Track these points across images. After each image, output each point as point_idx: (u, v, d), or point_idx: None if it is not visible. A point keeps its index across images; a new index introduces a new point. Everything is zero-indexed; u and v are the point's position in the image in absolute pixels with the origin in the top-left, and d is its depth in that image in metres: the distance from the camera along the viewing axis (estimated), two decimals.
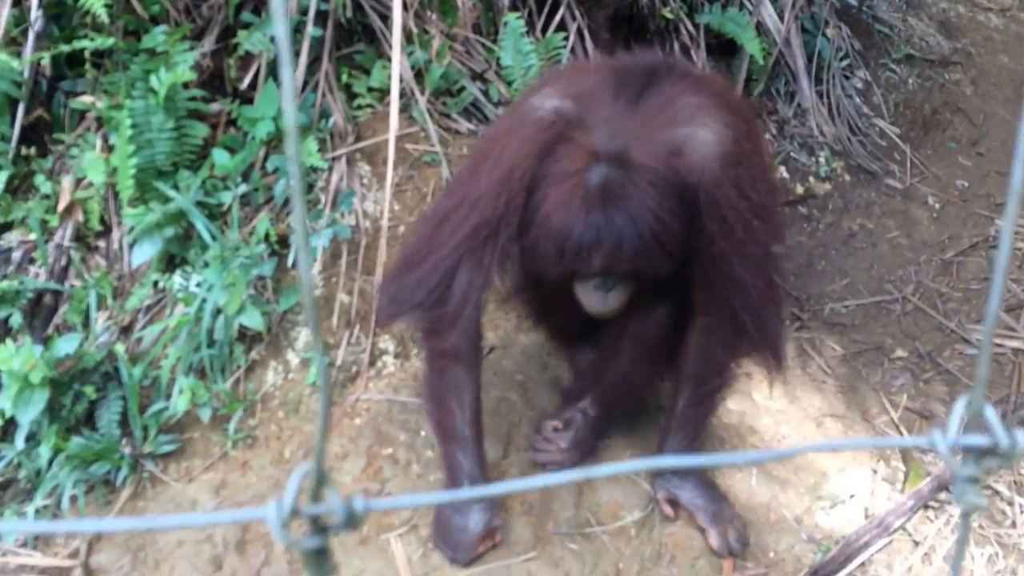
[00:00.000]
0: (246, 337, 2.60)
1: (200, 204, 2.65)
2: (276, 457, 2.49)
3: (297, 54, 2.91)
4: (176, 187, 2.66)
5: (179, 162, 2.71)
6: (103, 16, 2.55)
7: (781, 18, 3.81)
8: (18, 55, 2.67)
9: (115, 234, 2.71)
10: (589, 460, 2.49)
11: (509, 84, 3.16)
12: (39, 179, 2.70)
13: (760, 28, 3.75)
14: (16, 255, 2.67)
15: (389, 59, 2.86)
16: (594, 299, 2.06)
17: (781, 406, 2.80)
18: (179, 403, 2.46)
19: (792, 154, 3.81)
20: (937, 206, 3.86)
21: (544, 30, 3.33)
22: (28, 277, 2.63)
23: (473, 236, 2.04)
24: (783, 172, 3.75)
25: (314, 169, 2.75)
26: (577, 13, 3.36)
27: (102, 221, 2.68)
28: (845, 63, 4.16)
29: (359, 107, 2.97)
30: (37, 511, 2.39)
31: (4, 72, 2.63)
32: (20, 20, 2.72)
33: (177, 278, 2.58)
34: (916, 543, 2.46)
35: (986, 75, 4.65)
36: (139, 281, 2.65)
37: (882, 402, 2.92)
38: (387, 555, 2.28)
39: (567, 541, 2.34)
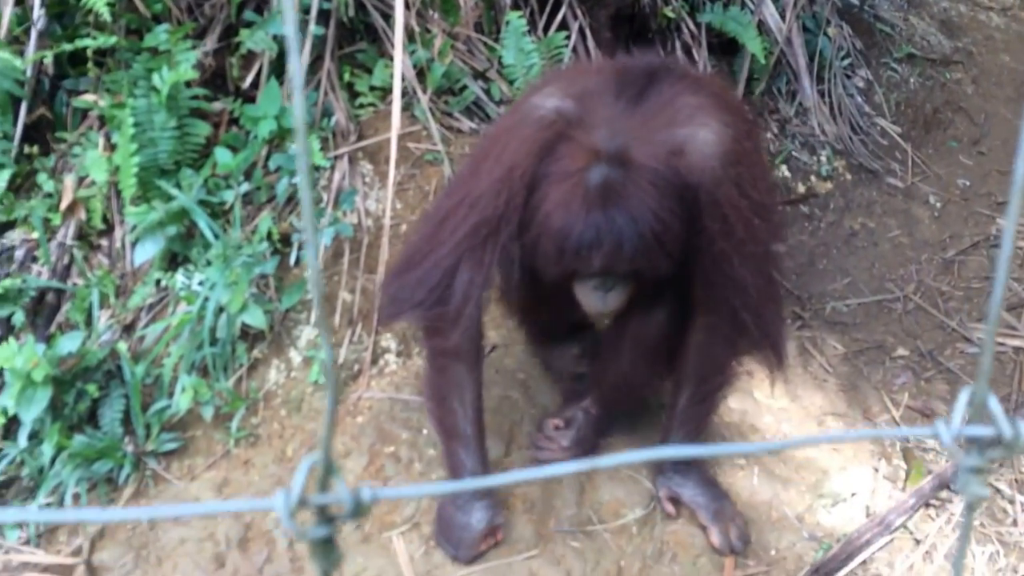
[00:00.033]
0: (248, 335, 2.60)
1: (202, 203, 2.65)
2: (278, 455, 2.50)
3: (299, 53, 2.91)
4: (178, 186, 2.66)
5: (181, 161, 2.71)
6: (105, 15, 2.55)
7: (783, 17, 3.82)
8: (21, 54, 2.67)
9: (117, 232, 2.71)
10: (591, 459, 2.50)
11: (511, 83, 3.17)
12: (42, 178, 2.70)
13: (762, 27, 3.76)
14: (19, 253, 2.67)
15: (391, 58, 2.87)
16: (594, 299, 2.06)
17: (782, 404, 2.81)
18: (181, 401, 2.46)
19: (794, 153, 3.81)
20: (938, 205, 3.87)
21: (546, 29, 3.34)
22: (31, 275, 2.64)
23: (474, 235, 2.04)
24: (785, 171, 3.75)
25: (316, 168, 2.75)
26: (579, 12, 3.37)
27: (104, 219, 2.69)
28: (846, 62, 4.17)
29: (361, 106, 2.97)
30: (39, 509, 2.39)
31: (7, 71, 2.63)
32: (23, 19, 2.72)
33: (179, 276, 2.59)
34: (917, 541, 2.47)
35: (987, 74, 4.65)
36: (141, 279, 2.65)
37: (883, 400, 2.92)
38: (389, 553, 2.29)
39: (569, 539, 2.34)
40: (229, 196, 2.69)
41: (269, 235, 2.64)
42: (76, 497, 2.40)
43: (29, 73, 2.70)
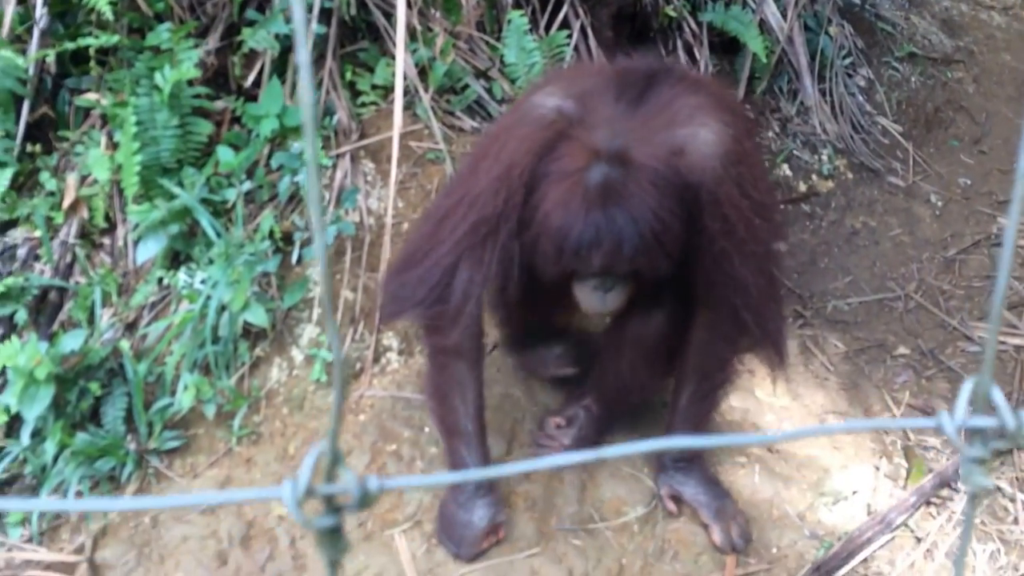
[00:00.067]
0: (250, 334, 2.61)
1: (205, 201, 2.66)
2: (280, 453, 2.50)
3: None
4: (181, 184, 2.67)
5: (184, 159, 2.72)
6: (108, 13, 2.56)
7: (784, 16, 3.82)
8: (23, 52, 2.67)
9: (120, 231, 2.72)
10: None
11: (513, 82, 3.17)
12: (44, 176, 2.70)
13: (763, 26, 3.76)
14: (21, 252, 2.67)
15: (393, 57, 2.87)
16: (593, 299, 2.05)
17: (784, 403, 2.81)
18: (184, 399, 2.47)
19: (795, 152, 3.81)
20: (939, 204, 3.87)
21: (547, 28, 3.34)
22: (33, 274, 2.64)
23: (473, 233, 2.04)
24: (786, 170, 3.76)
25: (318, 166, 2.75)
26: (580, 11, 3.37)
27: (107, 218, 2.69)
28: (848, 61, 4.17)
29: (363, 104, 2.98)
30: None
31: (9, 69, 2.64)
32: (25, 17, 2.73)
33: (182, 275, 2.59)
34: (918, 539, 2.47)
35: (988, 73, 4.65)
36: (144, 278, 2.65)
37: (884, 399, 2.92)
38: (391, 551, 2.29)
39: (570, 537, 2.34)
40: (231, 194, 2.70)
41: (271, 233, 2.65)
42: (79, 495, 2.40)
43: (31, 72, 2.70)
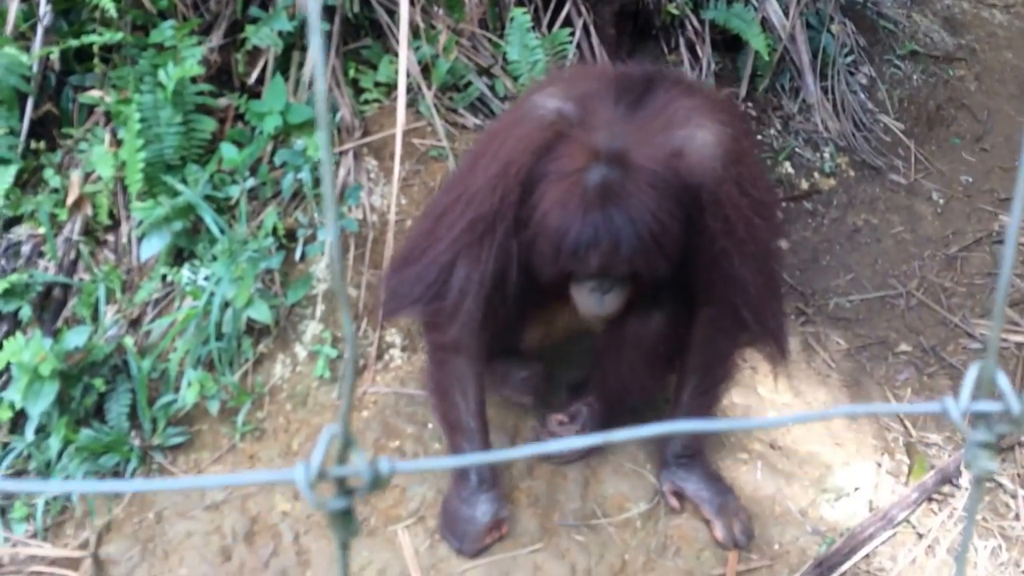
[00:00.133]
0: (254, 330, 2.61)
1: (208, 198, 2.67)
2: (284, 449, 2.51)
3: (304, 49, 2.92)
4: (184, 181, 2.67)
5: (187, 156, 2.72)
6: (111, 11, 2.57)
7: (786, 14, 3.82)
8: (27, 50, 2.68)
9: (124, 228, 2.72)
10: (595, 453, 2.51)
11: (515, 79, 3.18)
12: (48, 173, 2.71)
13: (765, 24, 3.76)
14: (25, 249, 2.68)
15: (396, 54, 2.87)
16: (591, 301, 2.05)
17: (786, 400, 2.81)
18: (188, 396, 2.47)
19: (797, 150, 3.82)
20: (941, 201, 3.87)
21: (550, 25, 3.35)
22: (37, 271, 2.65)
23: (470, 231, 2.05)
24: (788, 167, 3.76)
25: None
26: (583, 9, 3.37)
27: (111, 215, 2.70)
28: (850, 59, 4.17)
29: (366, 102, 2.98)
30: (47, 502, 2.41)
31: (13, 67, 2.64)
32: (29, 15, 2.73)
33: (185, 272, 2.60)
34: (920, 535, 2.48)
35: (990, 71, 4.65)
36: (148, 275, 2.66)
37: (886, 396, 2.93)
38: (394, 546, 2.30)
39: (573, 533, 2.35)
40: (235, 191, 2.70)
41: (274, 230, 2.65)
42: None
43: (35, 69, 2.71)
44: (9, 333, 2.53)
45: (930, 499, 2.56)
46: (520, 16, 3.16)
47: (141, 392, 2.48)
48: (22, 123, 2.72)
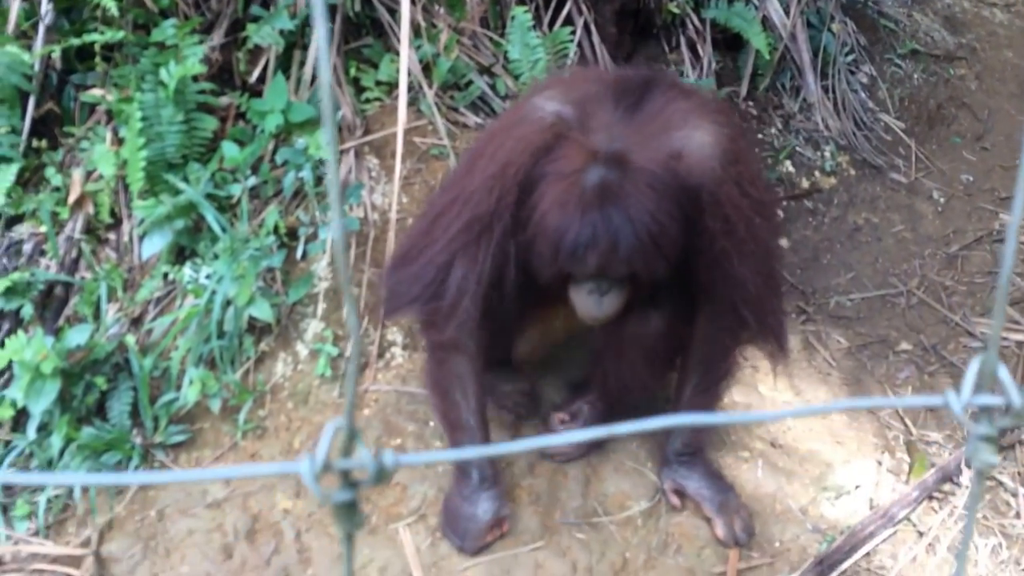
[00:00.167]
0: (255, 328, 2.62)
1: (210, 196, 2.67)
2: (286, 447, 2.51)
3: (305, 48, 2.93)
4: (186, 179, 2.68)
5: (189, 155, 2.73)
6: (113, 9, 2.57)
7: (787, 13, 3.82)
8: (29, 48, 2.69)
9: (125, 226, 2.73)
10: (596, 451, 2.51)
11: (516, 78, 3.18)
12: (50, 172, 2.71)
13: (766, 23, 3.76)
14: (27, 247, 2.69)
15: (397, 53, 2.87)
16: (589, 303, 2.05)
17: (787, 398, 2.82)
18: (189, 394, 2.48)
19: (798, 148, 3.82)
20: (942, 200, 3.87)
21: (551, 24, 3.35)
22: (39, 269, 2.65)
23: (467, 231, 2.05)
24: (789, 166, 3.76)
25: (323, 162, 2.76)
26: (584, 7, 3.38)
27: (112, 213, 2.70)
28: (850, 58, 4.17)
29: (367, 100, 2.99)
30: (49, 500, 2.41)
31: (15, 65, 2.65)
32: (30, 13, 2.74)
33: (187, 270, 2.60)
34: (920, 534, 2.48)
35: (991, 70, 4.65)
36: (149, 273, 2.67)
37: (887, 394, 2.94)
38: (396, 544, 2.30)
39: (574, 531, 2.35)
40: (236, 190, 2.71)
41: (276, 229, 2.66)
42: (85, 489, 2.42)
43: (37, 68, 2.71)
44: (11, 331, 2.54)
45: (931, 497, 2.56)
46: (521, 15, 3.16)
47: (143, 390, 2.48)
48: (24, 122, 2.72)
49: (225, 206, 2.71)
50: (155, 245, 2.66)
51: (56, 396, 2.37)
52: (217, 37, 2.87)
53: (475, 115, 3.11)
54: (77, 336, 2.46)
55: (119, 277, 2.65)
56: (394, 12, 2.97)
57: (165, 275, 2.63)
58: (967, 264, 3.55)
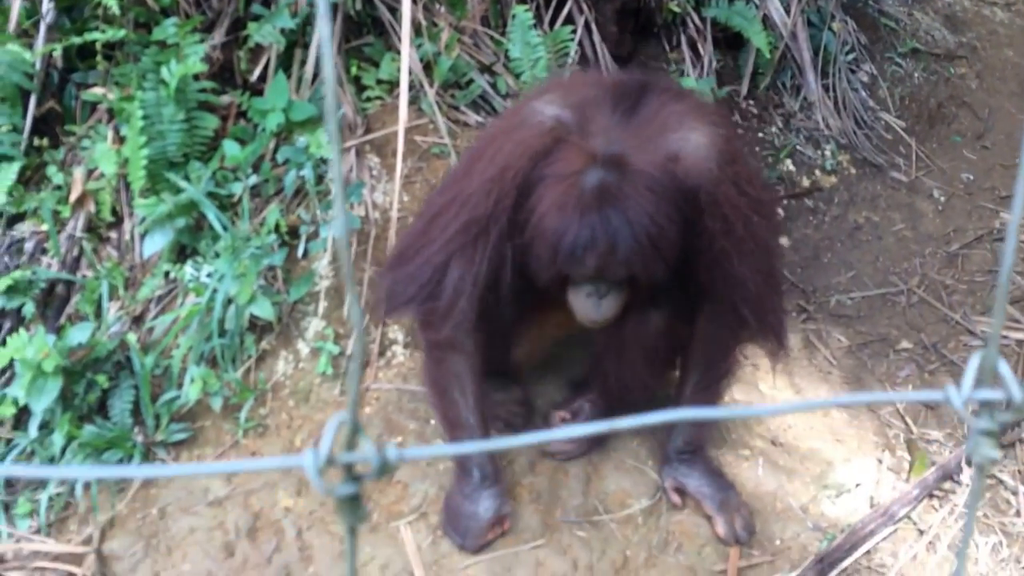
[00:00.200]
0: (257, 327, 2.62)
1: (211, 195, 2.67)
2: (287, 445, 2.51)
3: (306, 46, 2.93)
4: (187, 178, 2.68)
5: (190, 153, 2.73)
6: (114, 8, 2.57)
7: (787, 12, 3.82)
8: (30, 47, 2.69)
9: (127, 225, 2.73)
10: (597, 449, 2.51)
11: (517, 76, 3.18)
12: (51, 170, 2.72)
13: (767, 21, 3.77)
14: (29, 245, 2.69)
15: (398, 51, 2.88)
16: (587, 306, 2.06)
17: (787, 396, 2.82)
18: (191, 392, 2.48)
19: (798, 147, 3.82)
20: (942, 199, 3.88)
21: (552, 23, 3.35)
22: (40, 267, 2.65)
23: (464, 233, 2.06)
24: (789, 165, 3.77)
25: (324, 160, 2.76)
26: (585, 6, 3.38)
27: (114, 212, 2.71)
28: (851, 57, 4.18)
29: (368, 99, 2.99)
30: (50, 498, 2.41)
31: (16, 64, 2.65)
32: (32, 12, 2.74)
33: (188, 268, 2.61)
34: (921, 532, 2.48)
35: (991, 69, 4.65)
36: (151, 271, 2.67)
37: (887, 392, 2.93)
38: (397, 542, 2.31)
39: (575, 529, 2.36)
40: (237, 188, 2.71)
41: (277, 227, 2.66)
42: (87, 487, 2.42)
43: (38, 66, 2.71)
44: (12, 329, 2.54)
45: (931, 495, 2.56)
46: (522, 14, 3.17)
47: (144, 388, 2.49)
48: (25, 120, 2.72)
49: (226, 204, 2.72)
50: (156, 243, 2.66)
51: (57, 394, 2.38)
52: (218, 36, 2.87)
53: (476, 114, 3.11)
54: (78, 334, 2.46)
55: (120, 275, 2.65)
56: (395, 11, 2.97)
57: (166, 273, 2.64)
58: (967, 263, 3.55)
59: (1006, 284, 0.58)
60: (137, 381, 2.50)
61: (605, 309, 2.05)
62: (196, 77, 2.72)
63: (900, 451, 2.71)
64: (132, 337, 2.54)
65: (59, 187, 2.71)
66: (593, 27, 3.39)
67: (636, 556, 2.32)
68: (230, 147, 2.72)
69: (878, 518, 2.47)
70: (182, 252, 2.70)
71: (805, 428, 2.71)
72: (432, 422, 2.54)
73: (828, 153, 3.85)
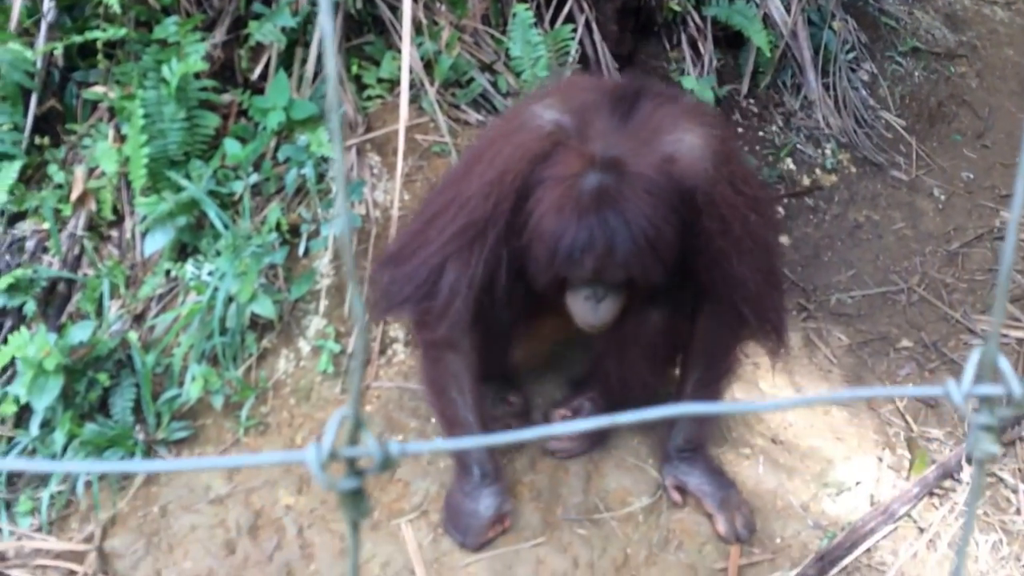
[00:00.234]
0: (258, 325, 2.62)
1: (212, 193, 2.67)
2: (288, 444, 2.52)
3: (307, 45, 2.93)
4: (188, 177, 2.68)
5: (191, 152, 2.73)
6: (115, 7, 2.58)
7: (788, 10, 3.83)
8: (31, 45, 2.69)
9: (128, 223, 2.74)
10: (598, 447, 2.52)
11: (518, 75, 3.18)
12: (52, 169, 2.72)
13: (767, 20, 3.77)
14: (30, 244, 2.69)
15: (399, 50, 2.88)
16: (585, 310, 2.06)
17: (787, 395, 2.82)
18: (192, 390, 2.48)
19: (799, 146, 3.82)
20: (942, 198, 3.88)
21: (552, 22, 3.35)
22: (42, 266, 2.66)
23: (461, 235, 2.06)
24: (790, 164, 3.77)
25: (324, 159, 2.77)
26: (585, 5, 3.38)
27: (115, 210, 2.71)
28: (851, 55, 4.18)
29: (369, 98, 2.99)
30: (52, 496, 2.42)
31: (17, 62, 2.65)
32: (33, 11, 2.74)
33: (189, 267, 2.61)
34: (921, 530, 2.48)
35: (991, 68, 4.65)
36: (152, 270, 2.67)
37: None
38: (398, 540, 2.31)
39: (576, 527, 2.36)
40: (238, 187, 2.71)
41: (278, 226, 2.66)
42: (88, 485, 2.43)
43: (39, 65, 2.72)
44: (14, 328, 2.54)
45: (931, 494, 2.57)
46: (522, 12, 3.17)
47: (145, 387, 2.49)
48: (26, 119, 2.73)
49: (227, 203, 2.72)
50: (157, 242, 2.66)
51: (59, 393, 2.38)
52: (219, 34, 2.87)
53: (477, 112, 3.11)
54: (80, 333, 2.47)
55: (121, 274, 2.65)
56: (396, 10, 2.97)
57: (167, 272, 2.64)
58: (968, 261, 3.56)
59: (1006, 282, 0.59)
60: (138, 379, 2.51)
61: (603, 313, 2.06)
62: (197, 76, 2.72)
63: (900, 449, 2.71)
64: (133, 335, 2.54)
65: (60, 186, 2.71)
66: (594, 26, 3.39)
67: (637, 554, 2.33)
68: (231, 145, 2.72)
69: (878, 516, 2.47)
70: (183, 250, 2.70)
71: (805, 426, 2.71)
72: (433, 420, 2.54)
73: (828, 152, 3.85)
